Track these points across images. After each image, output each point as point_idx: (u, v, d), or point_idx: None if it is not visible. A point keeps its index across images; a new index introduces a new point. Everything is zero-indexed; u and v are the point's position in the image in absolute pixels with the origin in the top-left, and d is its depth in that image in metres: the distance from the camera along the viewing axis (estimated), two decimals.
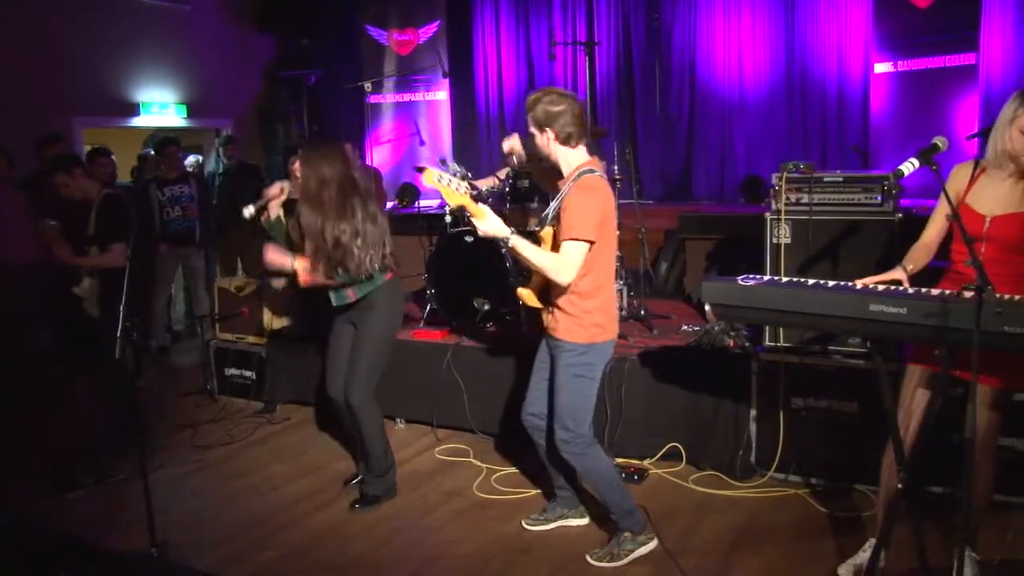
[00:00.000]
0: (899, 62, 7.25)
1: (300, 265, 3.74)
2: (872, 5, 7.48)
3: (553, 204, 3.24)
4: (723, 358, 4.29)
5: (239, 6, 10.02)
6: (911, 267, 2.89)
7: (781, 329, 4.13)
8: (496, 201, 5.49)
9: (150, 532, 3.36)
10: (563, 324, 3.23)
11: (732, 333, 4.37)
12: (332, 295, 3.84)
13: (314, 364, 5.41)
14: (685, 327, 5.05)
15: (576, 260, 3.05)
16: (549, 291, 3.26)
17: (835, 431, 3.94)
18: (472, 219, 3.05)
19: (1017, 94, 2.72)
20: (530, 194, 5.39)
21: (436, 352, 4.94)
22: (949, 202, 2.57)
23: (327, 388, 4.00)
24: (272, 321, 5.60)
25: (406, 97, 10.10)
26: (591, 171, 3.17)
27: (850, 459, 3.89)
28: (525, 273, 3.51)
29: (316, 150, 3.76)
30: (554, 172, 3.33)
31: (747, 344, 4.30)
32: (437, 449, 4.72)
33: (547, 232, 3.23)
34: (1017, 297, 2.44)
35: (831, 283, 2.77)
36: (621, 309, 5.19)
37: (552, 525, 3.69)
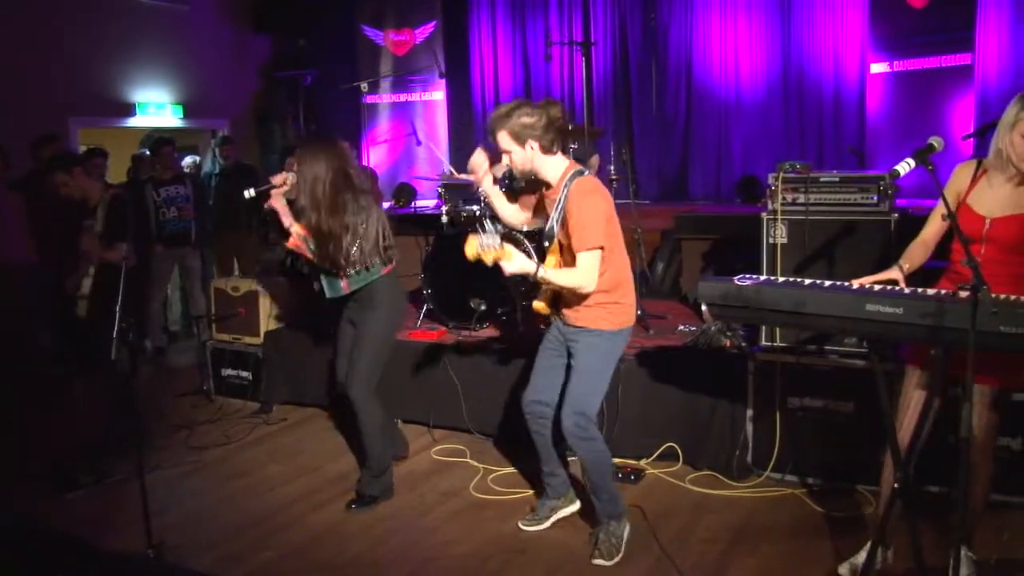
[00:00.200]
0: (895, 62, 7.27)
1: (296, 230, 3.78)
2: (868, 5, 7.49)
3: (554, 216, 3.23)
4: (719, 358, 4.30)
5: (236, 6, 10.01)
6: (907, 266, 2.89)
7: (777, 329, 4.13)
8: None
9: (147, 533, 3.36)
10: (588, 314, 3.26)
11: (728, 333, 4.37)
12: (326, 286, 3.91)
13: (311, 365, 5.42)
14: (681, 327, 5.06)
15: (594, 268, 3.11)
16: (561, 296, 3.29)
17: (831, 431, 3.95)
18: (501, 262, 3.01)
19: (1019, 97, 2.71)
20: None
21: (432, 352, 4.94)
22: (946, 203, 2.57)
23: (337, 386, 4.08)
24: (269, 322, 5.61)
25: (402, 97, 10.10)
26: (580, 172, 3.18)
27: (846, 459, 3.90)
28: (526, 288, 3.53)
29: (310, 148, 3.82)
30: (535, 184, 3.33)
31: (743, 344, 4.31)
32: (434, 449, 4.72)
33: (554, 247, 3.26)
34: (1013, 297, 2.45)
35: (827, 283, 2.78)
36: None
37: (547, 523, 3.69)
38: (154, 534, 3.39)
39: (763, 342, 4.21)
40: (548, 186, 3.27)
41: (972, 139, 5.28)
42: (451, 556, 3.52)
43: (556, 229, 3.23)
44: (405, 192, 9.15)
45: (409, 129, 9.59)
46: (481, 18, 9.86)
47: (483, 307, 5.07)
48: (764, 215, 4.13)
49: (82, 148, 7.74)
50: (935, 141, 2.62)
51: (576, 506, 3.74)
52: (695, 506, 3.89)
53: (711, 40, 8.61)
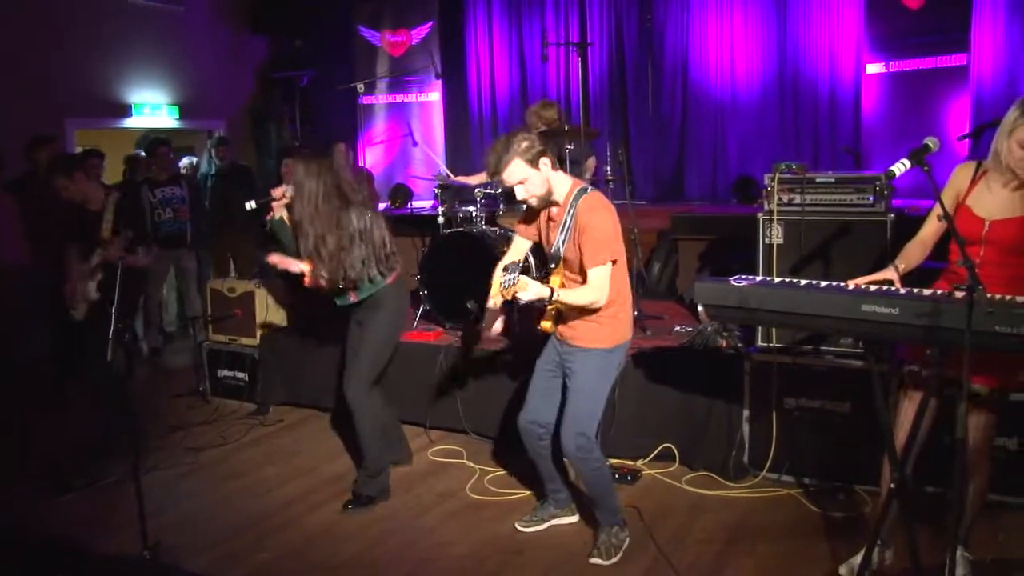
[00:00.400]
0: (890, 63, 7.29)
1: (307, 268, 3.84)
2: (864, 6, 7.50)
3: (560, 236, 3.23)
4: (716, 359, 4.30)
5: (232, 7, 9.99)
6: (903, 266, 2.89)
7: (774, 329, 4.13)
8: (489, 201, 5.50)
9: (143, 534, 3.36)
10: (587, 332, 3.27)
11: (725, 334, 4.37)
12: (336, 297, 3.94)
13: (308, 366, 5.42)
14: (678, 328, 5.05)
15: (606, 283, 3.14)
16: (561, 312, 3.30)
17: (828, 431, 3.95)
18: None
19: (1019, 103, 2.70)
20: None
21: (429, 353, 4.94)
22: (941, 205, 2.57)
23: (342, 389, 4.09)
24: (265, 322, 5.60)
25: (399, 98, 10.09)
26: (585, 189, 3.20)
27: (843, 459, 3.90)
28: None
29: (302, 164, 3.81)
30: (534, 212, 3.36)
31: (740, 345, 4.31)
32: (430, 450, 4.72)
33: (559, 269, 3.27)
34: (1008, 297, 2.45)
35: (823, 283, 2.78)
36: None
37: (545, 525, 3.70)
38: (150, 535, 3.39)
39: (759, 343, 4.21)
40: (555, 204, 3.26)
41: (968, 140, 5.29)
42: (448, 557, 3.52)
43: (562, 249, 3.24)
44: (401, 193, 9.14)
45: (405, 130, 9.57)
46: (477, 19, 9.86)
47: (478, 308, 5.07)
48: (760, 216, 4.13)
49: (78, 149, 7.72)
50: (931, 142, 2.62)
51: (575, 518, 3.74)
52: (692, 506, 3.89)
53: (707, 40, 8.61)
